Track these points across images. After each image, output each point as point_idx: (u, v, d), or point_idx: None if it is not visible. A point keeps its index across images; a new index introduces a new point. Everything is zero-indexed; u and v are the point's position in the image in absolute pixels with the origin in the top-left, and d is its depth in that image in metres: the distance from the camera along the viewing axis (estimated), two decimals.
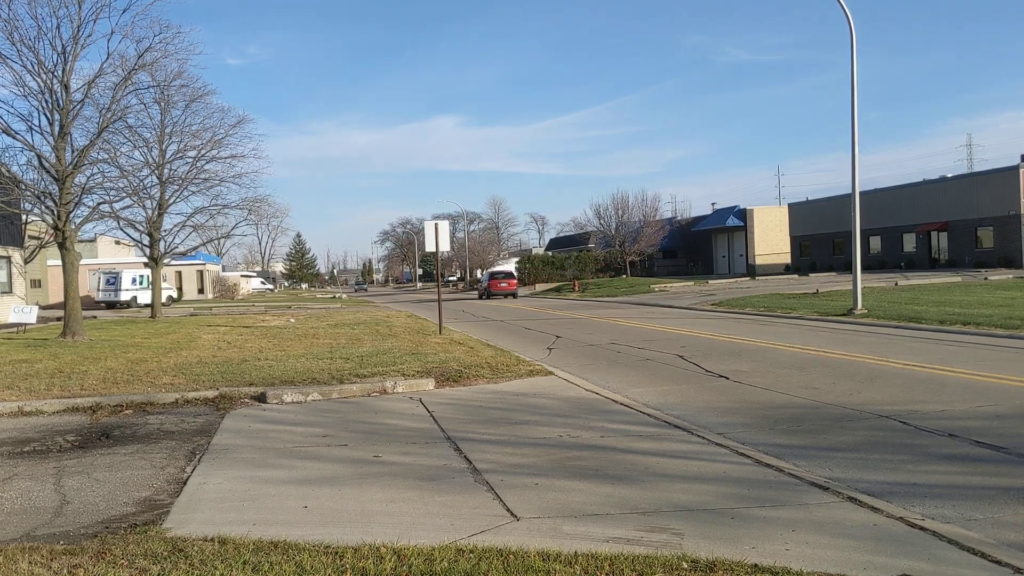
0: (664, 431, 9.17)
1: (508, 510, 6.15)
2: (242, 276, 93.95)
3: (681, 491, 6.70)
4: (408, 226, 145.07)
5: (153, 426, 9.78)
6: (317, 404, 11.35)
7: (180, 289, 59.30)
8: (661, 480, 7.04)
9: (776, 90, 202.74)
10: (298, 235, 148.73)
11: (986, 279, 36.46)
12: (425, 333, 22.53)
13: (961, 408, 9.83)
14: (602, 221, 69.78)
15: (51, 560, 4.94)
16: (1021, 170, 45.10)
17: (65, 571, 4.70)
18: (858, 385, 11.82)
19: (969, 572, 4.79)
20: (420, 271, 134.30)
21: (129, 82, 21.04)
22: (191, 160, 29.39)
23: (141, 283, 55.09)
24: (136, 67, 20.70)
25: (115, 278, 51.55)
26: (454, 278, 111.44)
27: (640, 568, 4.69)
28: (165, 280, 60.55)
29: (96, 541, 5.36)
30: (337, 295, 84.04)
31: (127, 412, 10.67)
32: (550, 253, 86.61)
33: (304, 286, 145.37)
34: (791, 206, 69.59)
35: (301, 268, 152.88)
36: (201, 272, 69.43)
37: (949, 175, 58.06)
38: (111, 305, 50.74)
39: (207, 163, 29.31)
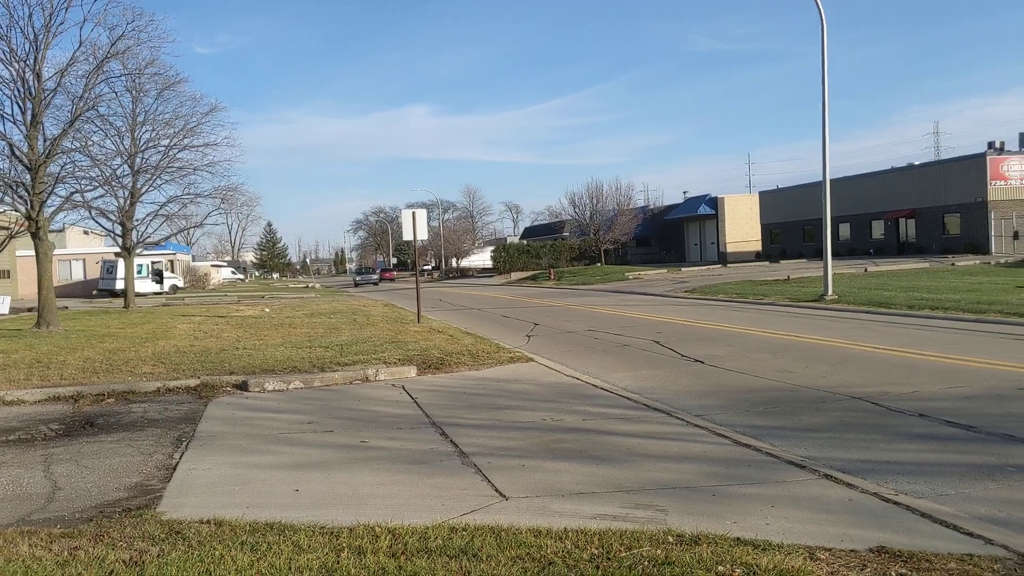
0: (644, 414, 9.36)
1: (497, 490, 6.30)
2: (212, 266, 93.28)
3: (663, 470, 6.89)
4: (381, 215, 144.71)
5: (137, 414, 9.83)
6: (299, 392, 11.43)
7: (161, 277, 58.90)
8: (644, 460, 7.23)
9: (746, 79, 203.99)
10: (269, 224, 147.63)
11: (953, 265, 37.10)
12: (403, 322, 22.60)
13: (931, 390, 10.11)
14: (577, 210, 70.02)
15: (50, 543, 5.02)
16: (988, 157, 45.81)
17: (65, 553, 4.79)
18: (831, 368, 12.09)
19: (942, 543, 5.00)
20: (394, 260, 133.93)
21: (102, 71, 20.89)
22: (163, 149, 29.20)
23: (139, 272, 55.06)
24: (109, 55, 20.56)
25: (113, 267, 51.48)
26: (428, 267, 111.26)
27: (628, 542, 4.85)
28: (168, 269, 60.43)
29: (92, 525, 5.45)
30: (310, 285, 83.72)
31: (109, 401, 10.69)
32: (525, 242, 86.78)
33: (275, 276, 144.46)
34: (762, 194, 70.18)
35: (272, 258, 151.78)
36: (172, 262, 68.93)
37: (916, 163, 58.83)
38: (112, 294, 50.60)
39: (179, 152, 29.16)
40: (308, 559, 4.54)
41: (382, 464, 7.27)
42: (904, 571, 4.56)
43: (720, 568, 4.37)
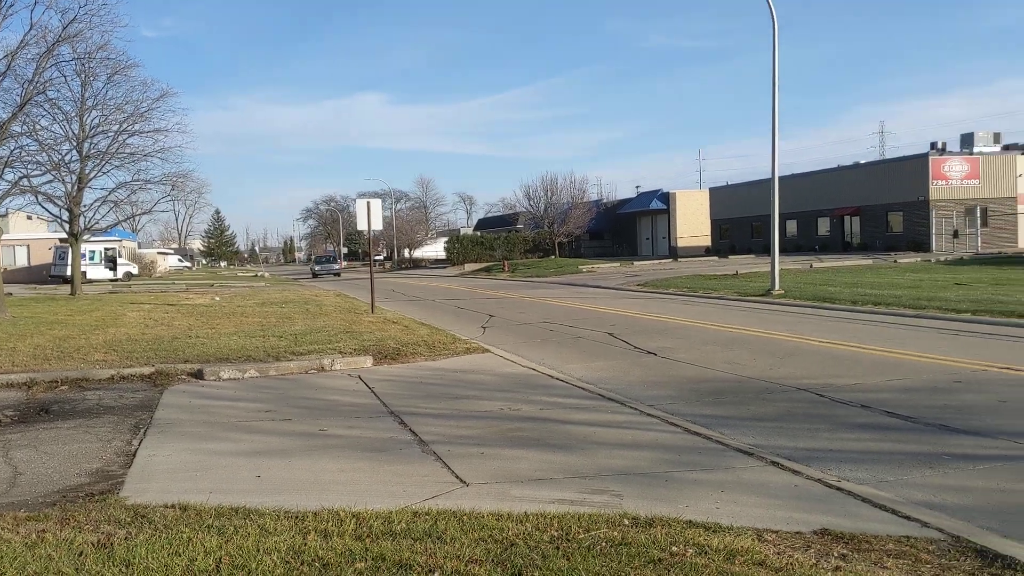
0: (599, 403, 9.58)
1: (457, 477, 6.45)
2: (159, 253, 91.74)
3: (618, 457, 7.11)
4: (332, 204, 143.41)
5: (92, 401, 9.78)
6: (255, 381, 11.45)
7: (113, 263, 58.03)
8: (599, 448, 7.44)
9: (696, 76, 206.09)
10: (217, 212, 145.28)
11: (895, 262, 38.08)
12: (357, 312, 22.59)
13: (873, 382, 10.49)
14: (532, 203, 70.27)
15: (17, 526, 5.06)
16: (930, 158, 47.05)
17: (33, 536, 4.84)
18: (777, 360, 12.45)
19: (881, 526, 5.28)
20: (345, 250, 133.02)
21: (52, 54, 20.48)
22: (113, 134, 28.70)
23: (92, 259, 54.22)
24: (60, 39, 20.16)
25: (66, 253, 50.43)
26: (380, 257, 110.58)
27: (586, 525, 5.04)
28: (121, 256, 59.52)
29: (57, 509, 5.49)
30: (259, 273, 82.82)
31: (63, 388, 10.61)
32: (479, 233, 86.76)
33: (223, 264, 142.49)
34: (712, 190, 71.16)
35: (220, 246, 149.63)
36: (106, 249, 67.67)
37: (862, 161, 60.19)
38: (66, 280, 49.58)
39: (129, 137, 28.68)
40: (275, 541, 4.65)
41: (342, 452, 7.38)
42: (846, 551, 4.81)
43: (674, 548, 4.57)
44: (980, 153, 47.97)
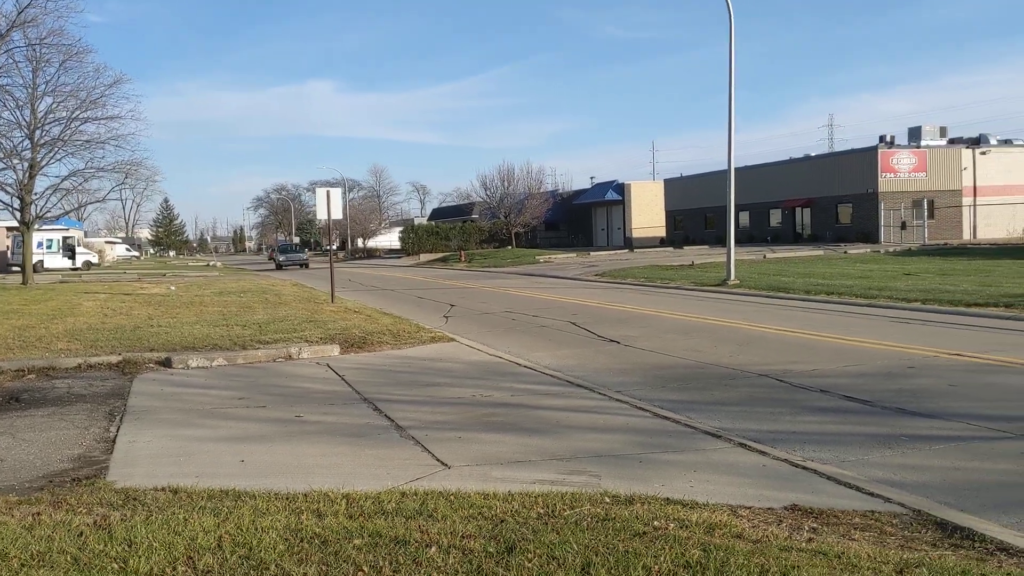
0: (568, 390, 9.81)
1: (438, 460, 6.62)
2: (107, 242, 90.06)
3: (592, 440, 7.33)
4: (284, 192, 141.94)
5: (61, 390, 9.75)
6: (224, 369, 11.48)
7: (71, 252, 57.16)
8: (573, 431, 7.66)
9: (649, 67, 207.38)
10: (165, 200, 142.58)
11: (846, 253, 38.97)
12: (317, 301, 22.56)
13: (830, 368, 10.86)
14: (488, 192, 70.33)
15: (10, 509, 5.12)
16: (879, 151, 48.11)
17: (29, 518, 4.90)
18: (737, 348, 12.79)
19: (847, 502, 5.57)
20: (297, 239, 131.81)
21: (5, 40, 20.04)
22: (64, 121, 28.18)
23: (49, 247, 53.63)
24: (14, 24, 19.77)
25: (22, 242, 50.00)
26: (333, 247, 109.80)
27: (569, 502, 5.25)
28: (80, 245, 58.66)
29: (47, 493, 5.54)
30: (212, 263, 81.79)
31: (30, 376, 10.54)
32: (434, 223, 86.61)
33: (172, 254, 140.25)
34: (666, 182, 71.88)
35: (169, 235, 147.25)
36: (65, 238, 66.42)
37: (813, 154, 61.29)
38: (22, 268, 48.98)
39: (81, 124, 28.20)
40: (271, 520, 4.78)
41: (321, 437, 7.51)
42: (816, 525, 5.08)
43: (656, 523, 4.80)
44: (927, 147, 49.17)
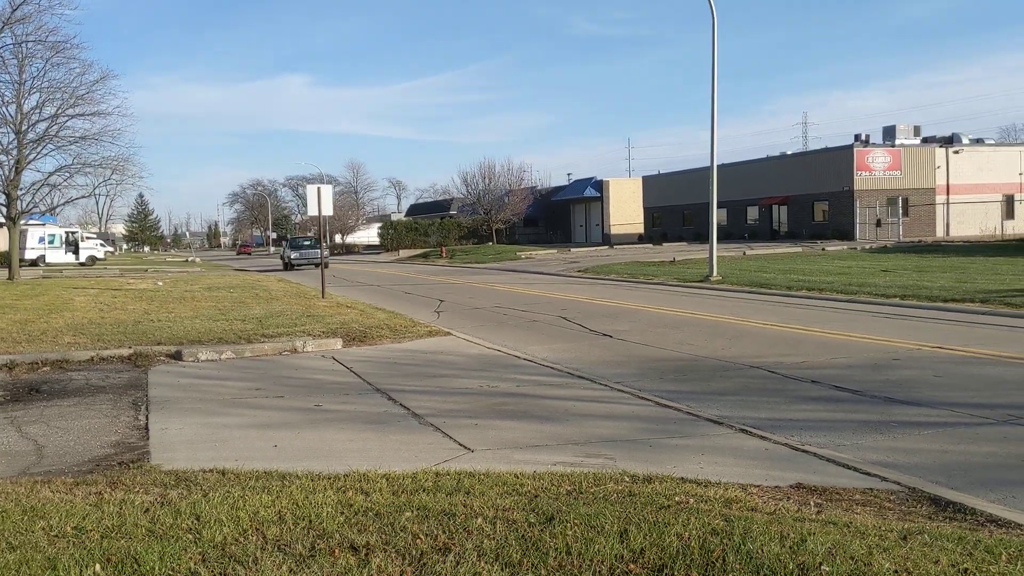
0: (570, 381, 10.22)
1: (461, 444, 7.01)
2: (83, 237, 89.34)
3: (602, 427, 7.75)
4: (260, 188, 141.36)
5: (79, 381, 10.03)
6: (233, 362, 11.78)
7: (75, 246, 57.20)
8: (582, 419, 8.07)
9: (623, 64, 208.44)
10: (140, 196, 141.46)
11: (823, 250, 39.69)
12: (307, 297, 22.83)
13: (819, 360, 11.35)
14: (469, 188, 70.63)
15: (71, 489, 5.44)
16: (854, 149, 48.97)
17: (92, 496, 5.24)
18: (728, 342, 13.26)
19: (847, 481, 6.02)
20: (273, 235, 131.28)
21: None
22: (51, 117, 28.18)
23: (52, 242, 54.10)
24: (10, 21, 19.83)
25: (30, 236, 51.62)
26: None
27: (593, 481, 5.66)
28: (84, 240, 58.74)
29: (100, 475, 5.87)
30: (190, 259, 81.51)
31: (45, 369, 10.80)
32: (412, 219, 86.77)
33: (146, 249, 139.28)
34: (644, 179, 72.56)
35: (144, 230, 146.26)
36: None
37: (788, 152, 62.16)
38: (33, 263, 50.36)
39: (68, 120, 28.23)
40: (321, 497, 5.14)
41: (344, 424, 7.87)
42: (821, 501, 5.52)
43: (677, 498, 5.21)
44: (901, 145, 50.12)
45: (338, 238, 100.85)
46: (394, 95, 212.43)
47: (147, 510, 4.91)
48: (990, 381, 9.69)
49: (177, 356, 11.76)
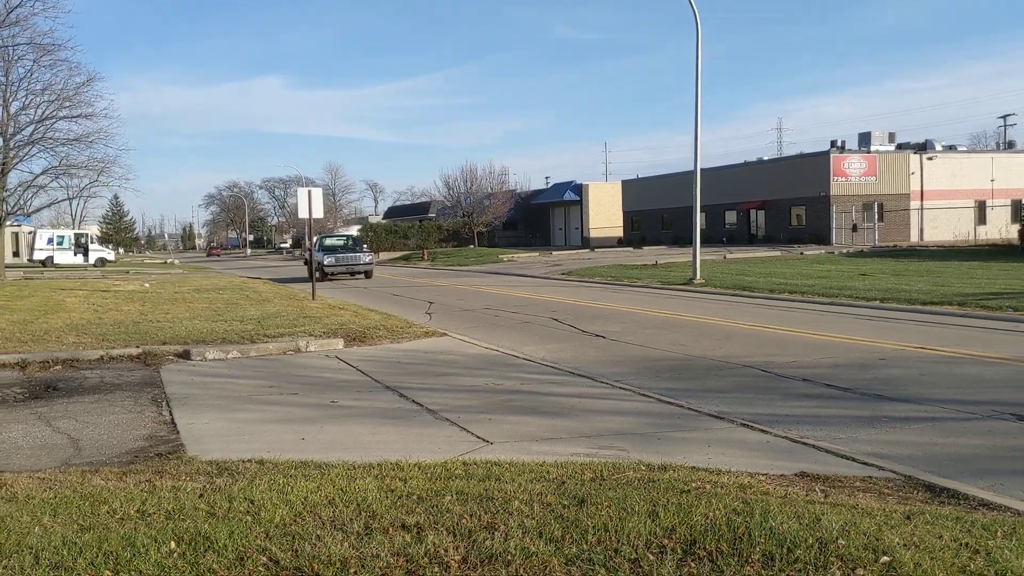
0: (571, 379, 10.59)
1: (479, 437, 7.36)
2: None
3: (609, 421, 8.13)
4: (236, 189, 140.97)
5: (94, 380, 10.27)
6: (240, 361, 12.06)
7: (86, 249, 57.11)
8: (590, 414, 8.45)
9: (601, 68, 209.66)
10: (115, 197, 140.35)
11: (802, 254, 40.42)
12: (298, 298, 23.06)
13: (808, 360, 11.80)
14: (451, 191, 70.97)
15: (120, 478, 5.74)
16: (831, 155, 49.84)
17: (144, 484, 5.54)
18: (718, 342, 13.70)
19: (847, 470, 6.43)
20: (251, 237, 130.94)
21: None
22: (37, 120, 28.23)
23: (60, 243, 54.80)
24: (4, 23, 19.93)
25: (40, 238, 52.21)
26: (286, 245, 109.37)
27: (612, 469, 6.03)
28: (94, 242, 58.84)
29: (143, 465, 6.17)
30: (169, 260, 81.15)
31: (57, 368, 11.03)
32: (391, 221, 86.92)
33: (121, 251, 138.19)
34: (624, 183, 73.27)
35: (119, 232, 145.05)
36: (16, 234, 65.55)
37: (765, 157, 63.09)
38: (44, 264, 51.54)
39: (55, 122, 28.28)
40: (362, 484, 5.48)
41: (363, 419, 8.20)
42: (824, 487, 5.93)
43: (694, 484, 5.60)
44: (877, 151, 51.03)
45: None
46: (372, 98, 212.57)
47: (201, 495, 5.22)
48: (972, 379, 10.17)
49: (185, 355, 12.02)
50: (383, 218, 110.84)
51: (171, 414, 8.29)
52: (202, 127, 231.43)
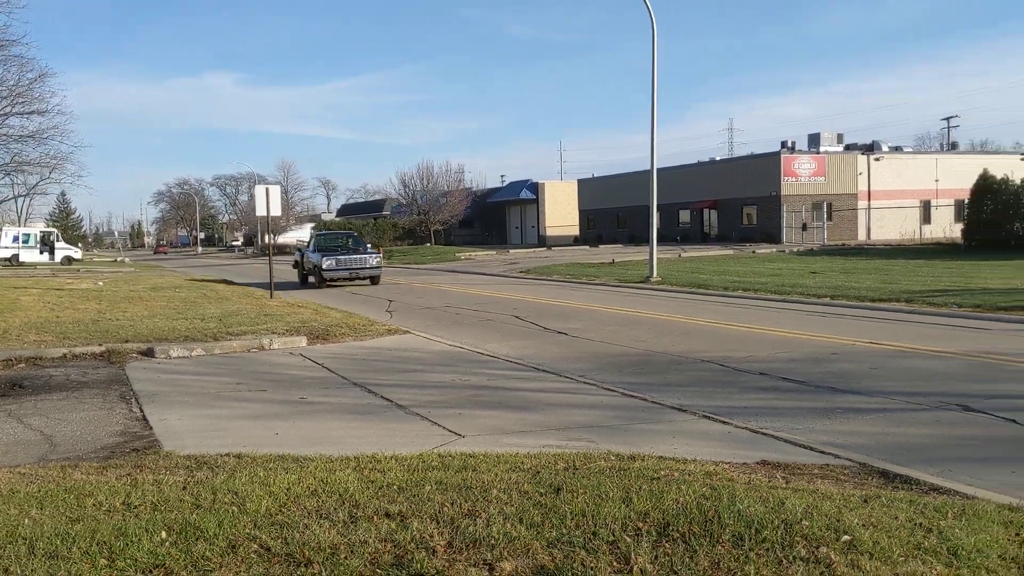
0: (536, 375, 10.81)
1: (450, 431, 7.54)
2: None
3: (577, 415, 8.36)
4: (187, 187, 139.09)
5: (60, 377, 10.23)
6: (204, 359, 12.07)
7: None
8: (557, 408, 8.67)
9: (554, 68, 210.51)
10: (62, 194, 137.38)
11: (754, 252, 41.16)
12: (256, 297, 22.96)
13: (764, 354, 12.15)
14: (408, 189, 70.84)
15: (100, 472, 5.81)
16: (781, 156, 50.83)
17: (126, 478, 5.62)
18: (678, 338, 14.02)
19: (805, 458, 6.72)
20: (202, 235, 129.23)
21: None
22: None
23: (26, 241, 54.08)
24: None
25: (11, 234, 51.25)
26: (238, 243, 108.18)
27: (584, 459, 6.24)
28: (59, 239, 57.61)
29: (121, 460, 6.24)
30: (119, 259, 79.83)
31: (21, 366, 10.96)
32: (344, 219, 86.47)
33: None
34: (580, 182, 73.78)
35: (66, 230, 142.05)
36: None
37: (718, 158, 64.08)
38: (8, 261, 50.78)
39: (7, 118, 27.69)
40: (341, 475, 5.62)
41: (334, 414, 8.32)
42: (785, 475, 6.20)
43: (663, 471, 5.84)
44: (826, 152, 52.16)
45: (269, 238, 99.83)
46: (324, 95, 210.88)
47: (184, 488, 5.33)
48: (920, 372, 10.59)
49: (149, 353, 12.00)
50: (336, 216, 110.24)
51: (142, 410, 8.33)
52: (153, 124, 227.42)
